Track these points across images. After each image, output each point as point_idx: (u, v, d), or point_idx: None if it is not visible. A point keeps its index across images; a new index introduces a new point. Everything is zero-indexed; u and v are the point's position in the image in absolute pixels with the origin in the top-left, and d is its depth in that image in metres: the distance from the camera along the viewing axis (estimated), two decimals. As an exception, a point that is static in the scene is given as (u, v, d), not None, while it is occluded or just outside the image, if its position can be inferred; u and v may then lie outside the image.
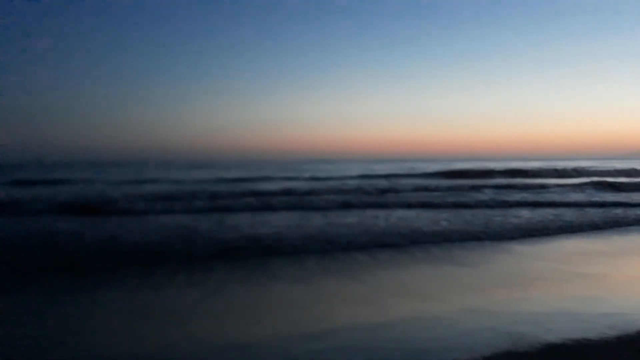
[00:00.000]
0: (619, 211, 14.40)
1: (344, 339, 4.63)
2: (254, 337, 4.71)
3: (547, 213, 14.07)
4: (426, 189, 21.72)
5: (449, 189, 21.92)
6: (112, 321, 5.24)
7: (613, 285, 6.77)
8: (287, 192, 19.25)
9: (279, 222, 12.37)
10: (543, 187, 23.50)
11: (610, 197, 18.85)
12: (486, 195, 19.66)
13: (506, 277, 7.26)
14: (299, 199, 17.16)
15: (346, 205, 15.75)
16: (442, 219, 12.84)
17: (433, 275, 7.45)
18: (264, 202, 16.32)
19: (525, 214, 14.01)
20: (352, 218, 13.08)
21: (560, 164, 61.50)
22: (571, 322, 4.96)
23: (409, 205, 15.73)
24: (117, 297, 6.25)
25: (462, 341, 4.47)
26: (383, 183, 25.54)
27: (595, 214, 13.85)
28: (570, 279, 6.94)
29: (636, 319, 5.03)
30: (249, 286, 6.80)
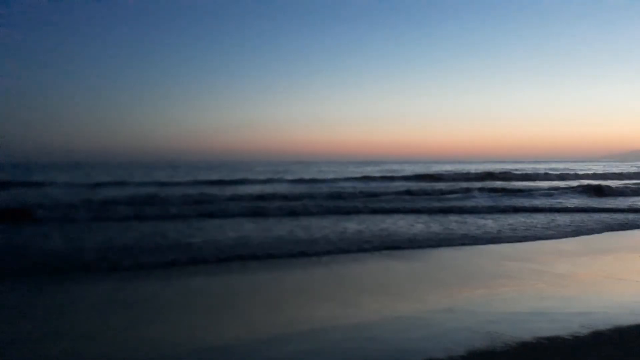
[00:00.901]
0: (599, 216, 14.55)
1: (321, 340, 4.62)
2: (230, 339, 4.68)
3: (526, 218, 14.38)
4: (408, 192, 21.42)
5: (430, 192, 21.71)
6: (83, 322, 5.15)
7: (587, 285, 6.93)
8: (261, 197, 18.63)
9: (250, 226, 12.21)
10: (525, 190, 23.47)
11: (592, 202, 18.90)
12: (467, 199, 19.71)
13: (484, 278, 7.34)
14: (272, 204, 16.50)
15: (323, 211, 15.26)
16: (421, 223, 12.99)
17: (411, 276, 7.49)
18: (236, 206, 15.73)
19: (504, 218, 14.26)
20: (327, 222, 13.08)
21: (548, 166, 62.53)
22: (547, 321, 5.04)
23: (386, 211, 15.49)
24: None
25: (441, 341, 4.50)
26: (361, 186, 25.44)
27: (575, 219, 14.00)
28: (547, 280, 7.06)
29: (608, 317, 5.14)
30: (222, 289, 6.76)
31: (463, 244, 10.02)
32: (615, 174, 40.89)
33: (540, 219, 13.90)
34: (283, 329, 4.98)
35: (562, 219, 13.94)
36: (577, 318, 5.10)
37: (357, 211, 15.35)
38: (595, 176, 37.84)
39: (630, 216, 14.61)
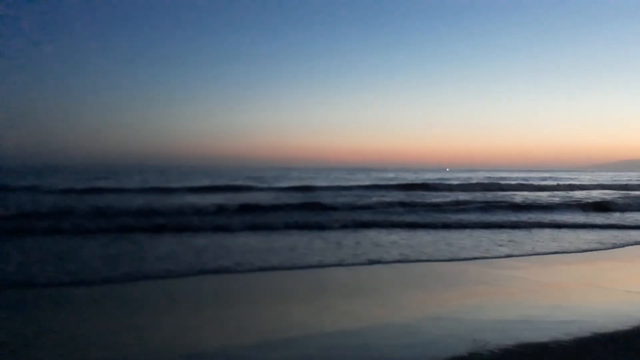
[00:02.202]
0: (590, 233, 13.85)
1: (308, 347, 4.65)
2: (216, 346, 4.68)
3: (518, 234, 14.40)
4: (401, 203, 20.23)
5: (426, 205, 20.35)
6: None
7: (573, 294, 7.01)
8: (253, 207, 17.97)
9: (208, 242, 12.09)
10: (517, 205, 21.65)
11: (596, 218, 17.63)
12: (463, 211, 18.76)
13: (472, 286, 7.39)
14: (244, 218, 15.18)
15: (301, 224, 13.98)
16: (412, 236, 13.08)
17: (399, 285, 7.52)
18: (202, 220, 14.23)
19: (498, 233, 14.41)
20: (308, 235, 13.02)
21: (537, 175, 62.58)
22: (532, 329, 5.11)
23: (372, 224, 14.44)
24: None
25: (427, 348, 4.56)
26: (351, 194, 24.97)
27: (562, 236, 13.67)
28: (533, 289, 7.16)
29: (592, 325, 5.21)
30: (208, 296, 6.76)
31: (453, 259, 9.98)
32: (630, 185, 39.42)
33: (541, 235, 14.01)
34: (270, 335, 4.99)
35: (562, 235, 14.00)
36: (562, 326, 5.18)
37: (344, 224, 14.15)
38: (594, 187, 36.77)
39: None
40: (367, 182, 37.31)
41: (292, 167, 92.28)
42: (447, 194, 27.73)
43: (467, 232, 13.35)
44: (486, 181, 38.74)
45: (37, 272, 7.64)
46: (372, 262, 9.02)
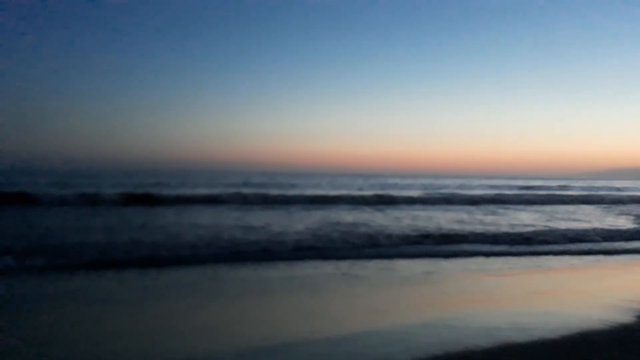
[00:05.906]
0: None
1: (300, 353, 4.63)
2: (208, 352, 4.63)
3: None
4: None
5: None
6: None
7: (563, 302, 7.07)
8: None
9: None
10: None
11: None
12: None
13: (462, 293, 7.42)
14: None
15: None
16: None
17: (391, 291, 7.52)
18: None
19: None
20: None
21: (535, 184, 62.20)
22: (522, 336, 5.12)
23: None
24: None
25: (416, 355, 4.53)
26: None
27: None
28: (526, 296, 7.27)
29: (583, 332, 5.28)
30: (199, 300, 6.73)
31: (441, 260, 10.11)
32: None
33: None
34: (258, 342, 4.94)
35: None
36: (553, 333, 5.21)
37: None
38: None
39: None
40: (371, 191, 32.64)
41: (297, 172, 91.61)
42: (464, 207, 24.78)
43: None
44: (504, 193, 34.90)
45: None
46: (367, 269, 9.14)
